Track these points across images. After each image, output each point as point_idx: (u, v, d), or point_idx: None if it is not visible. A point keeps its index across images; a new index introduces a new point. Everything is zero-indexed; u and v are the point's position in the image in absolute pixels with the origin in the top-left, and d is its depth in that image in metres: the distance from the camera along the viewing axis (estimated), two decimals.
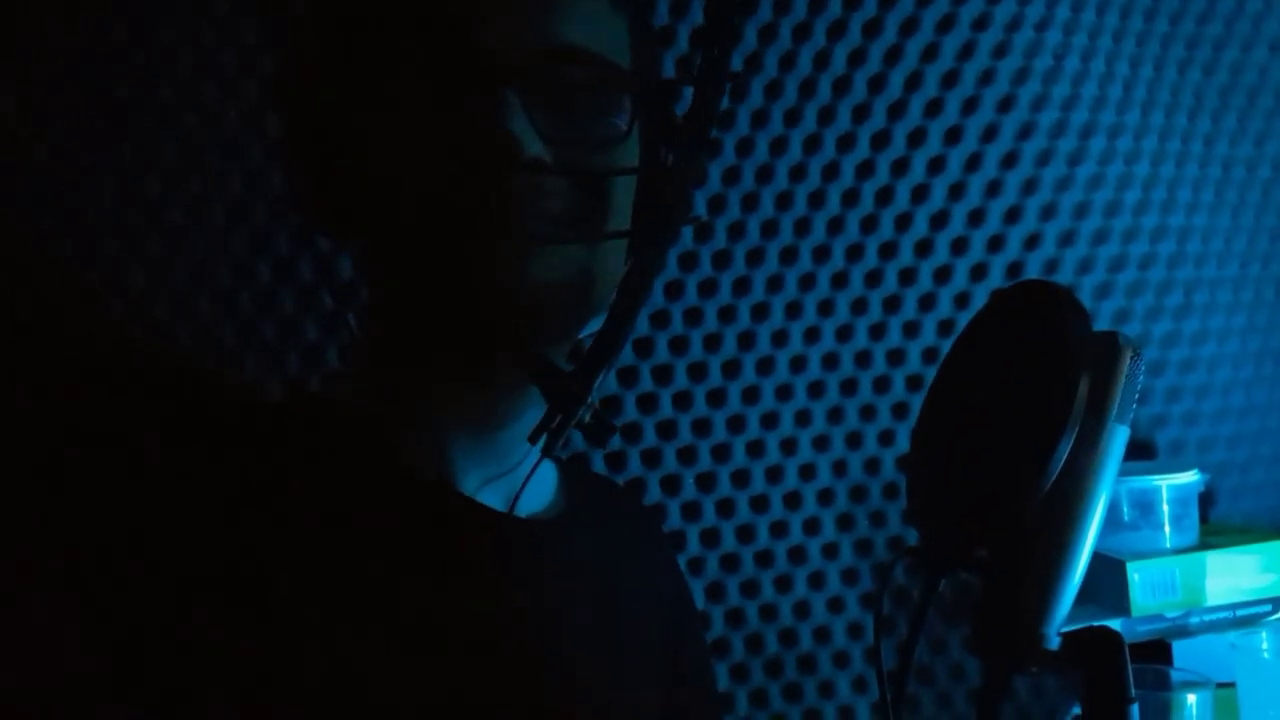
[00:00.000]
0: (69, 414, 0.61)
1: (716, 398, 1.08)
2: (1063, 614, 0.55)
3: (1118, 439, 0.55)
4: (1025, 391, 0.56)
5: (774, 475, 1.09)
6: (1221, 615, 1.00)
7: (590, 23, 0.63)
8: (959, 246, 1.11)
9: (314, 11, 0.70)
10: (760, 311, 1.08)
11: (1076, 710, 0.56)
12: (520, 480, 0.69)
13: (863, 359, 1.11)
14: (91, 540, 0.57)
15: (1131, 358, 0.55)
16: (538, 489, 0.73)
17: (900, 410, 1.11)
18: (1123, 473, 0.57)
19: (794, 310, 1.09)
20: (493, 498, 0.69)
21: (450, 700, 0.62)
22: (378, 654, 0.60)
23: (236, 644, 0.57)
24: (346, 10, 0.65)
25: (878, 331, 1.10)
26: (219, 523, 0.59)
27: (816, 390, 1.10)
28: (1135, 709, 0.54)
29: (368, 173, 0.64)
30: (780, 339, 1.09)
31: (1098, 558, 0.55)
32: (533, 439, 0.60)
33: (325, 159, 0.66)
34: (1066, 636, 0.55)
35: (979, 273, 1.12)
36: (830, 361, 1.10)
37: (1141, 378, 0.56)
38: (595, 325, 0.66)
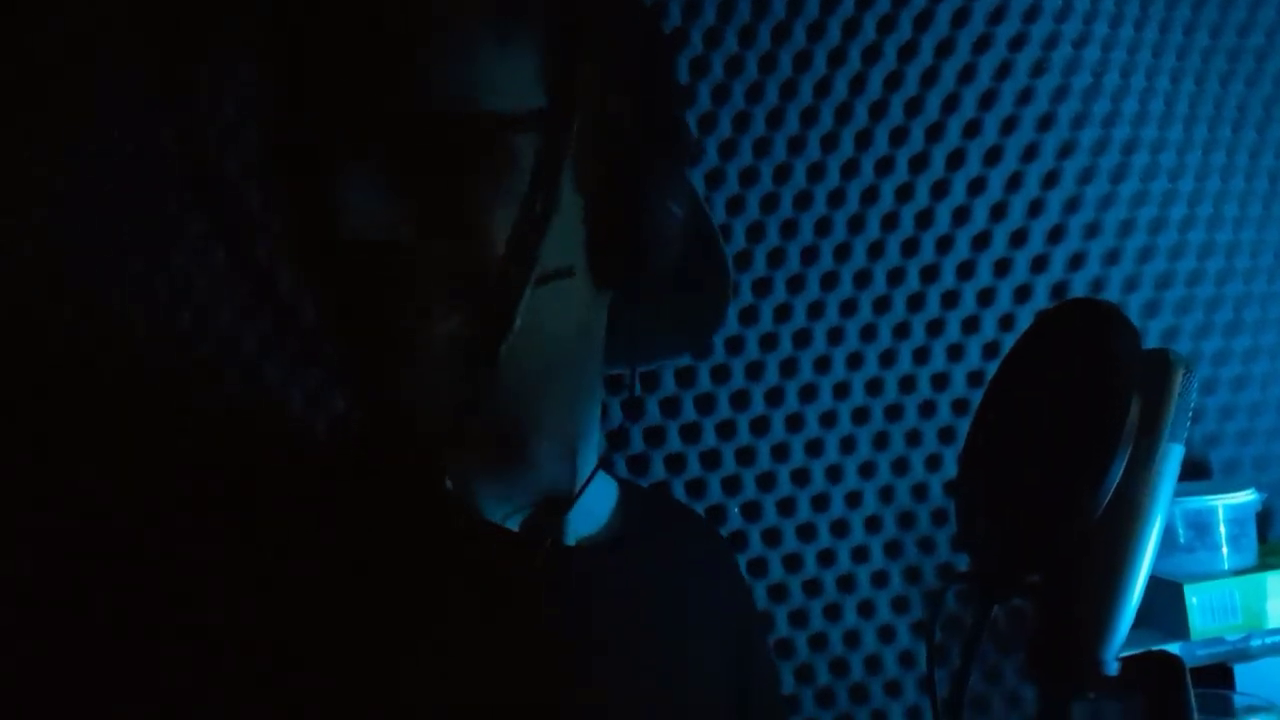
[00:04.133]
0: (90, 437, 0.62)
1: (760, 426, 1.07)
2: (1120, 638, 0.54)
3: (1172, 458, 0.54)
4: (1076, 412, 0.55)
5: (820, 503, 1.08)
6: None
7: (457, 68, 0.57)
8: (1002, 268, 1.10)
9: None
10: (803, 338, 1.08)
11: None
12: (568, 508, 0.69)
13: (907, 383, 1.09)
14: (132, 577, 0.57)
15: (1184, 375, 0.54)
16: (590, 513, 0.73)
17: (947, 435, 1.10)
18: (1177, 493, 0.56)
19: (836, 336, 1.08)
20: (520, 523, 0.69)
21: None
22: (423, 689, 0.60)
23: (283, 683, 0.57)
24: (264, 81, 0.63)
25: (921, 355, 1.09)
26: (265, 565, 0.59)
27: (861, 416, 1.09)
28: None
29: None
30: (823, 365, 1.08)
31: (1154, 581, 0.54)
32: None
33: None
34: (1125, 661, 0.54)
35: (1023, 294, 1.10)
36: (874, 387, 1.09)
37: (1195, 395, 0.55)
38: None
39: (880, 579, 1.09)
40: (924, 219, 1.09)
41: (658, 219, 0.63)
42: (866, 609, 1.08)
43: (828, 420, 1.08)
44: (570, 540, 0.71)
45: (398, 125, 0.56)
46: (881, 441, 1.09)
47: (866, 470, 1.09)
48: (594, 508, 0.75)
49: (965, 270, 1.10)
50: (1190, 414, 0.54)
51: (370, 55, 0.56)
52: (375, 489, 0.66)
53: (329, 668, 0.58)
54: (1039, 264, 1.11)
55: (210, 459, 0.64)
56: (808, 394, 1.08)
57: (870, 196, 1.08)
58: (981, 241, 1.10)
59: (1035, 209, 1.10)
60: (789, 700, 1.07)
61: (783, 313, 1.07)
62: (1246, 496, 1.02)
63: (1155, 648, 0.54)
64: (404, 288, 0.57)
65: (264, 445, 0.67)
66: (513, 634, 0.65)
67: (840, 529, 1.08)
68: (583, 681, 0.67)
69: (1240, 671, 0.98)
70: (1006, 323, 1.10)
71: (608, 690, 0.68)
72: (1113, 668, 0.53)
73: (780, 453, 1.08)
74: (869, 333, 1.09)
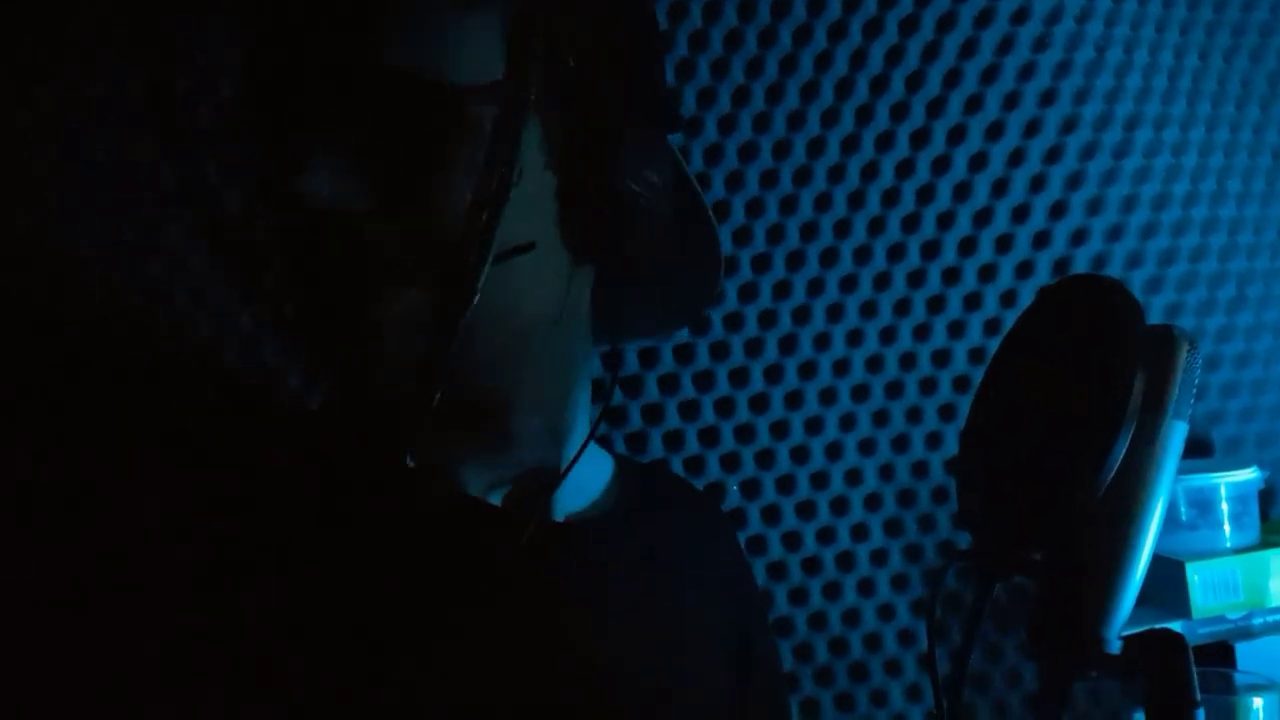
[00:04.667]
0: (86, 415, 0.62)
1: (759, 403, 1.07)
2: (1123, 616, 0.53)
3: (1176, 435, 0.53)
4: (1079, 389, 0.54)
5: (819, 481, 1.08)
6: None
7: (419, 35, 0.57)
8: (1004, 244, 1.09)
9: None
10: (802, 315, 1.07)
11: (1139, 716, 0.54)
12: (555, 484, 0.69)
13: (908, 361, 1.09)
14: (103, 555, 0.57)
15: (1188, 351, 0.54)
16: (582, 489, 0.72)
17: (947, 412, 1.09)
18: (1179, 471, 0.55)
19: (836, 313, 1.07)
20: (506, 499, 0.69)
21: (481, 709, 0.61)
22: (408, 670, 0.59)
23: (264, 669, 0.56)
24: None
25: (922, 332, 1.09)
26: (243, 548, 0.58)
27: (861, 394, 1.08)
28: (1201, 713, 0.52)
29: None
30: (823, 342, 1.07)
31: (1156, 559, 0.53)
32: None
33: None
34: (1127, 640, 0.53)
35: (1025, 270, 1.10)
36: (874, 364, 1.08)
37: (1199, 372, 0.54)
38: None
39: (880, 557, 1.08)
40: (926, 195, 1.08)
41: (633, 190, 0.62)
42: (866, 587, 1.08)
43: (827, 397, 1.08)
44: (559, 516, 0.71)
45: (357, 90, 0.56)
46: (882, 419, 1.09)
47: (866, 447, 1.08)
48: (586, 483, 0.74)
49: (967, 246, 1.09)
50: (1194, 391, 0.54)
51: (331, 18, 0.56)
52: (347, 464, 0.65)
53: (312, 652, 0.57)
54: (1041, 240, 1.10)
55: (188, 442, 0.63)
56: (807, 371, 1.07)
57: (871, 172, 1.07)
58: (983, 218, 1.09)
59: (1038, 185, 1.09)
60: (788, 678, 1.06)
61: (782, 289, 1.07)
62: (1249, 474, 1.02)
63: (1157, 626, 0.54)
64: (362, 257, 0.57)
65: (242, 427, 0.66)
66: (499, 609, 0.64)
67: (840, 507, 1.08)
68: (575, 658, 0.66)
69: (1242, 650, 0.98)
70: (1008, 299, 1.09)
71: (603, 667, 0.67)
72: (1115, 646, 0.53)
73: (780, 430, 1.07)
74: (869, 309, 1.08)
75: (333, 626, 0.58)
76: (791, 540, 1.07)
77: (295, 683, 0.56)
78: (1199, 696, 0.52)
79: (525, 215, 0.60)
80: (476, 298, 0.56)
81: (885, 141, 1.07)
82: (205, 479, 0.60)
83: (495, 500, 0.69)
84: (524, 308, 0.63)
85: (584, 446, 0.70)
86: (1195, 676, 0.52)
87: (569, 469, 0.69)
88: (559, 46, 0.60)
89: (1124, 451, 0.51)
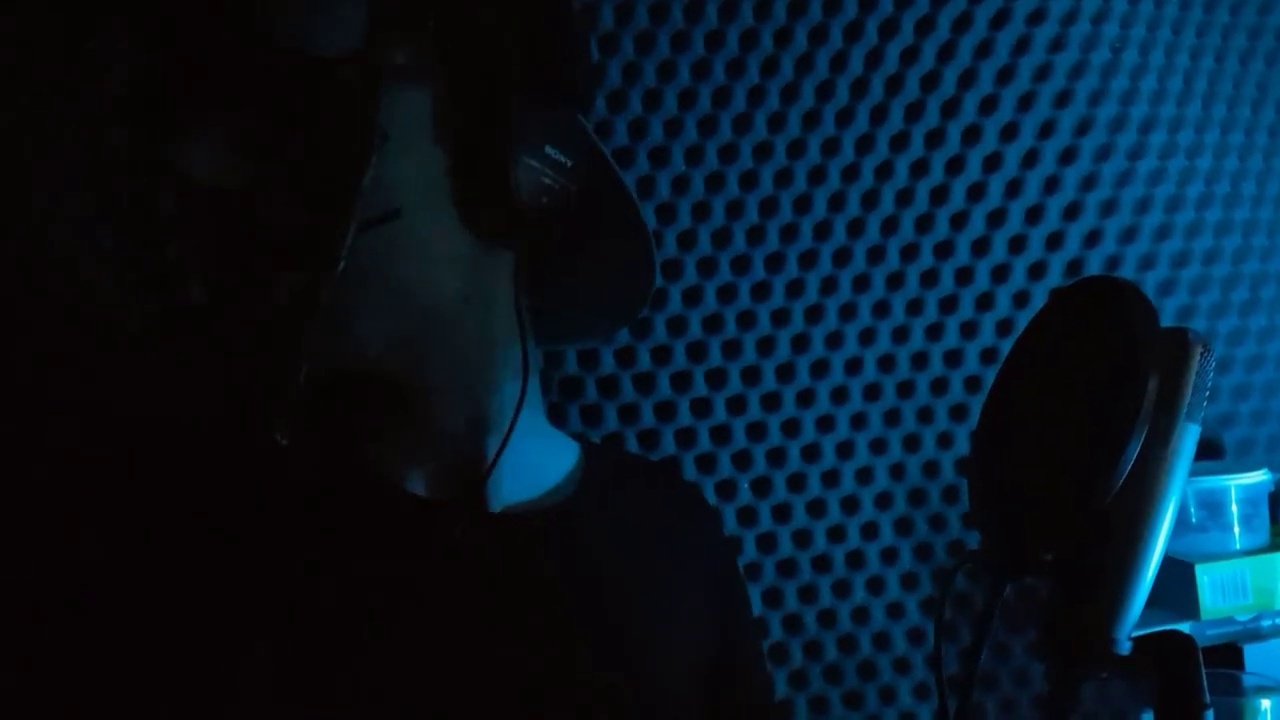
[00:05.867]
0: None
1: (771, 401, 1.07)
2: (1133, 618, 0.53)
3: (1189, 438, 0.53)
4: (1092, 390, 0.54)
5: (830, 479, 1.08)
6: None
7: (282, 7, 0.57)
8: (1017, 245, 1.09)
9: None
10: (815, 314, 1.07)
11: (1148, 717, 0.54)
12: (490, 471, 0.69)
13: (919, 360, 1.09)
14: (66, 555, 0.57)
15: (1202, 354, 0.54)
16: (533, 478, 0.73)
17: (959, 412, 1.09)
18: (1190, 473, 0.55)
19: (849, 312, 1.08)
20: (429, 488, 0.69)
21: (444, 698, 0.61)
22: (338, 662, 0.60)
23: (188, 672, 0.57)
24: None
25: (934, 332, 1.09)
26: (167, 538, 0.59)
27: (873, 393, 1.09)
28: (1210, 715, 0.52)
29: None
30: (835, 341, 1.08)
31: (1166, 560, 0.53)
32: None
33: None
34: (1137, 641, 0.54)
35: (1038, 271, 1.10)
36: (886, 364, 1.09)
37: (1212, 374, 0.54)
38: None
39: (890, 556, 1.09)
40: (939, 195, 1.08)
41: (531, 167, 0.62)
42: (876, 586, 1.08)
43: (839, 396, 1.08)
44: (496, 506, 0.70)
45: (226, 63, 0.56)
46: (893, 418, 1.09)
47: (878, 447, 1.09)
48: (538, 473, 0.74)
49: (980, 247, 1.09)
50: (1207, 394, 0.54)
51: None
52: (222, 451, 0.65)
53: (233, 652, 0.58)
54: (1055, 241, 1.10)
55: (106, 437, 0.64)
56: (819, 369, 1.08)
57: (885, 172, 1.07)
58: (997, 218, 1.09)
59: (1051, 186, 1.09)
60: (797, 675, 1.07)
61: (795, 288, 1.07)
62: (1259, 477, 1.02)
63: (1166, 627, 0.54)
64: (240, 234, 0.57)
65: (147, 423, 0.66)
66: (462, 602, 0.65)
67: (851, 506, 1.08)
68: (536, 648, 0.66)
69: (1250, 651, 0.98)
70: (1021, 300, 1.09)
71: (563, 656, 0.68)
72: (1125, 647, 0.53)
73: (791, 428, 1.07)
74: (882, 308, 1.08)
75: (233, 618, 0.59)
76: (802, 538, 1.07)
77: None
78: (1208, 698, 0.52)
79: (407, 189, 0.60)
80: (340, 264, 0.56)
81: (900, 141, 1.07)
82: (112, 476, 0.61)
83: (415, 486, 0.68)
84: (418, 287, 0.63)
85: (506, 438, 0.68)
86: (1204, 678, 0.52)
87: (494, 460, 0.68)
88: (447, 17, 0.60)
89: (1136, 454, 0.51)
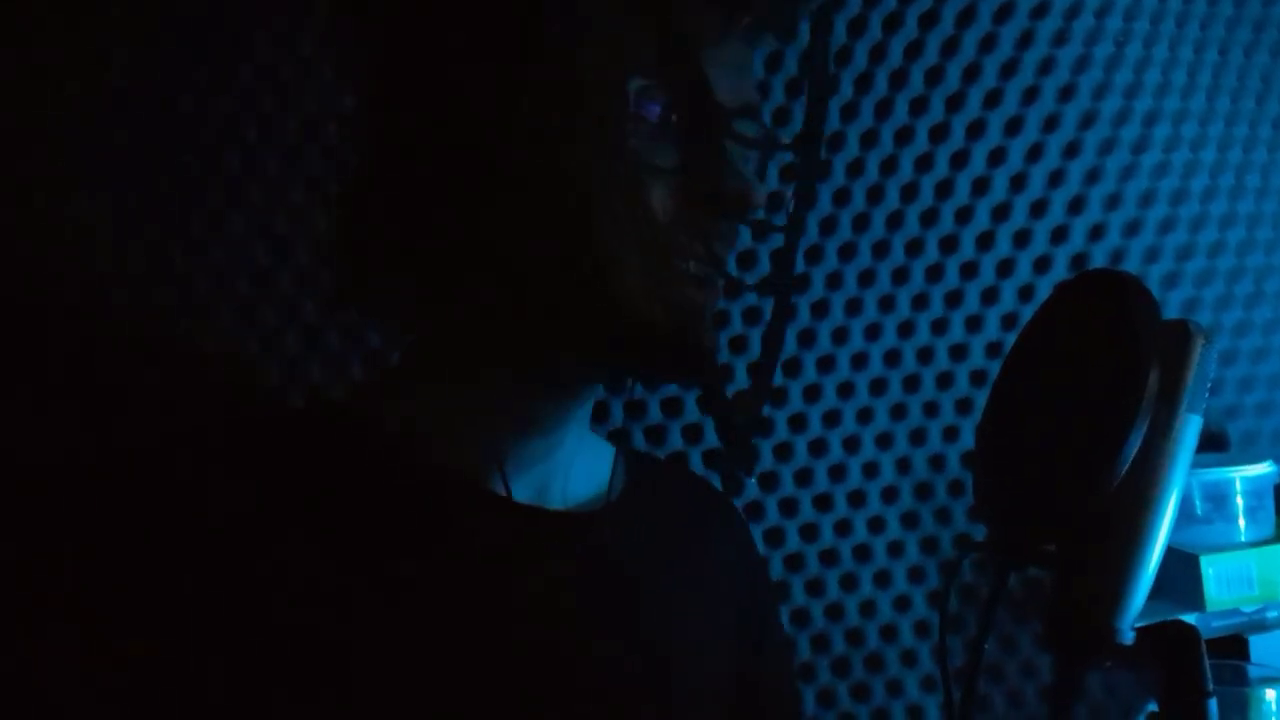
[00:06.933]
0: (95, 425, 0.62)
1: (777, 396, 1.07)
2: (1136, 608, 0.54)
3: (1190, 429, 0.54)
4: (1094, 382, 0.55)
5: (837, 474, 1.08)
6: None
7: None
8: (1022, 239, 1.10)
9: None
10: (821, 309, 1.08)
11: (1152, 707, 0.55)
12: (562, 472, 0.69)
13: (925, 355, 1.10)
14: (114, 552, 0.58)
15: (1203, 345, 0.54)
16: (590, 479, 0.73)
17: (964, 406, 1.10)
18: (1195, 465, 0.56)
19: (855, 307, 1.08)
20: (528, 492, 0.69)
21: (473, 695, 0.62)
22: (387, 652, 0.60)
23: (263, 658, 0.57)
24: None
25: (940, 326, 1.09)
26: (235, 535, 0.59)
27: (879, 387, 1.09)
28: (1213, 704, 0.53)
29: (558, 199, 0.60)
30: (841, 336, 1.08)
31: (1171, 552, 0.54)
32: (725, 477, 0.60)
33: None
34: (1141, 632, 0.54)
35: (1043, 265, 1.10)
36: (893, 358, 1.09)
37: (1214, 366, 0.55)
38: None
39: (897, 549, 1.09)
40: (944, 189, 1.09)
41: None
42: (883, 579, 1.09)
43: (845, 391, 1.08)
44: (556, 504, 0.71)
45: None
46: (899, 412, 1.09)
47: (884, 441, 1.09)
48: (590, 473, 0.75)
49: (985, 241, 1.09)
50: (1209, 385, 0.54)
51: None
52: (351, 462, 0.66)
53: (305, 634, 0.58)
54: (1059, 235, 1.10)
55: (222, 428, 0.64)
56: (825, 365, 1.08)
57: (889, 167, 1.08)
58: (1001, 212, 1.09)
59: (1055, 180, 1.10)
60: (805, 669, 1.07)
61: (800, 284, 1.07)
62: (1264, 468, 1.02)
63: (1171, 618, 0.55)
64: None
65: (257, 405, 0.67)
66: (497, 601, 0.65)
67: (857, 500, 1.09)
68: (567, 647, 0.67)
69: (1255, 643, 0.98)
70: (1026, 294, 1.10)
71: (595, 656, 0.68)
72: (1129, 637, 0.54)
73: (797, 423, 1.08)
74: (887, 304, 1.09)
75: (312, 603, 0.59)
76: (809, 532, 1.08)
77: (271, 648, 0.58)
78: (1211, 687, 0.52)
79: None
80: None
81: (904, 136, 1.08)
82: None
83: (525, 493, 0.69)
84: None
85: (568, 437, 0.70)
86: (1208, 668, 0.52)
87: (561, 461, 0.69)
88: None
89: (1138, 444, 0.52)
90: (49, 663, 0.56)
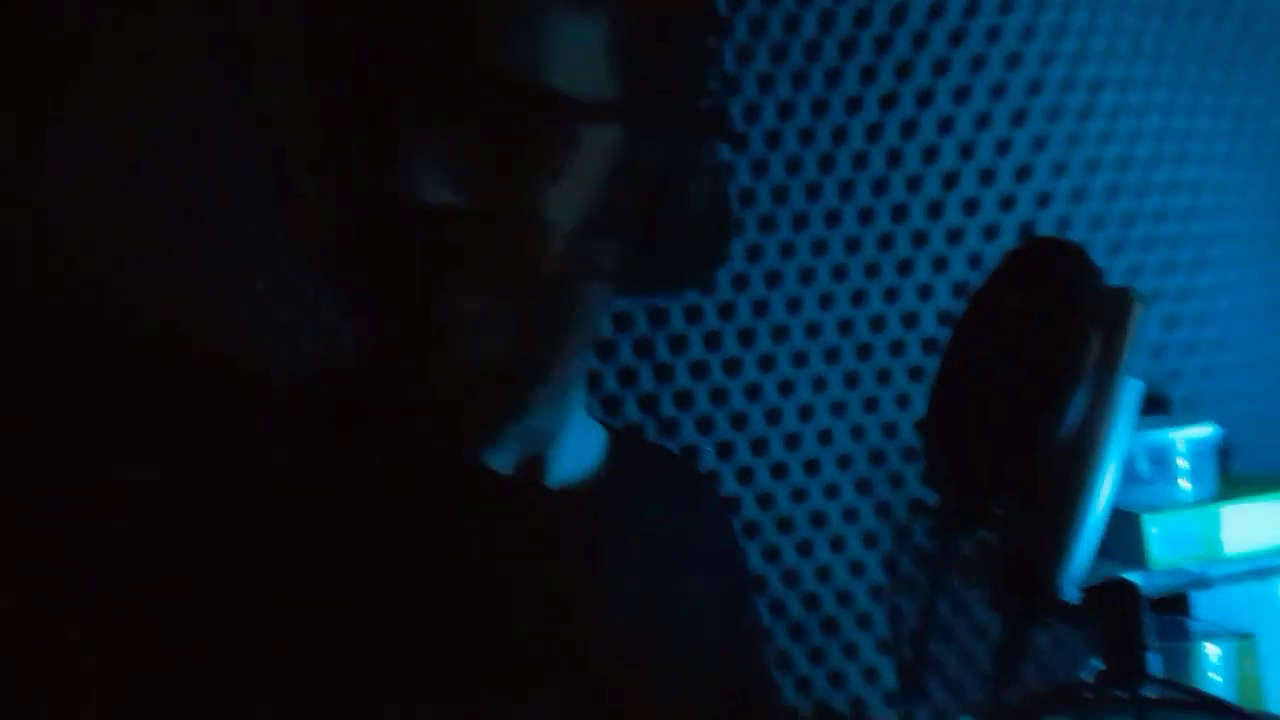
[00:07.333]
0: (113, 409, 0.62)
1: (733, 367, 1.08)
2: (1081, 567, 0.55)
3: (1129, 391, 0.55)
4: (1037, 348, 0.56)
5: (792, 442, 1.09)
6: (1240, 567, 1.00)
7: (532, 40, 0.55)
8: (971, 207, 1.11)
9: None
10: (774, 278, 1.08)
11: (1098, 664, 0.56)
12: (551, 449, 0.70)
13: (877, 323, 1.11)
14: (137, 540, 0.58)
15: (1141, 308, 0.55)
16: (576, 458, 0.74)
17: (917, 373, 1.11)
18: (1140, 427, 0.57)
19: (808, 276, 1.09)
20: (514, 467, 0.69)
21: (455, 670, 0.63)
22: (404, 631, 0.61)
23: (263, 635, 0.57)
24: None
25: (891, 295, 1.10)
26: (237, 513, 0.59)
27: (832, 356, 1.10)
28: (1156, 659, 0.54)
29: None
30: (795, 306, 1.09)
31: (1115, 513, 0.55)
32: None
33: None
34: (1087, 591, 0.55)
35: (992, 233, 1.11)
36: (845, 327, 1.10)
37: (1147, 327, 0.56)
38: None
39: (851, 515, 1.10)
40: (894, 158, 1.09)
41: (690, 207, 0.63)
42: (838, 544, 1.10)
43: (800, 360, 1.09)
44: (553, 483, 0.71)
45: (466, 91, 0.55)
46: (853, 380, 1.11)
47: (838, 409, 1.10)
48: (581, 452, 0.75)
49: (934, 210, 1.10)
50: (1141, 346, 0.56)
51: (441, 15, 0.55)
52: (345, 436, 0.66)
53: (321, 613, 0.58)
54: (1007, 203, 1.12)
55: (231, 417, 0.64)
56: (780, 334, 1.09)
57: (840, 136, 1.08)
58: (950, 181, 1.10)
59: (1003, 148, 1.11)
60: (762, 632, 1.09)
61: (754, 253, 1.08)
62: (1205, 431, 1.04)
63: (1114, 576, 0.56)
64: (444, 252, 0.56)
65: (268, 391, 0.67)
66: (481, 575, 0.65)
67: (812, 467, 1.10)
68: (569, 622, 0.67)
69: (1197, 599, 1.00)
70: (975, 262, 1.11)
71: (595, 630, 0.68)
72: (1074, 595, 0.55)
73: (753, 393, 1.09)
74: (840, 273, 1.09)
75: (328, 583, 0.59)
76: (765, 500, 1.09)
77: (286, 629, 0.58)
78: (1152, 641, 0.54)
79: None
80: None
81: (854, 105, 1.08)
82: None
83: (496, 462, 0.68)
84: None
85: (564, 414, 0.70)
86: (1148, 621, 0.54)
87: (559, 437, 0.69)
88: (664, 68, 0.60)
89: (1079, 404, 0.53)
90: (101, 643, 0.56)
